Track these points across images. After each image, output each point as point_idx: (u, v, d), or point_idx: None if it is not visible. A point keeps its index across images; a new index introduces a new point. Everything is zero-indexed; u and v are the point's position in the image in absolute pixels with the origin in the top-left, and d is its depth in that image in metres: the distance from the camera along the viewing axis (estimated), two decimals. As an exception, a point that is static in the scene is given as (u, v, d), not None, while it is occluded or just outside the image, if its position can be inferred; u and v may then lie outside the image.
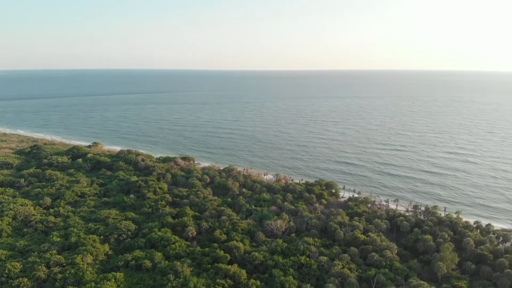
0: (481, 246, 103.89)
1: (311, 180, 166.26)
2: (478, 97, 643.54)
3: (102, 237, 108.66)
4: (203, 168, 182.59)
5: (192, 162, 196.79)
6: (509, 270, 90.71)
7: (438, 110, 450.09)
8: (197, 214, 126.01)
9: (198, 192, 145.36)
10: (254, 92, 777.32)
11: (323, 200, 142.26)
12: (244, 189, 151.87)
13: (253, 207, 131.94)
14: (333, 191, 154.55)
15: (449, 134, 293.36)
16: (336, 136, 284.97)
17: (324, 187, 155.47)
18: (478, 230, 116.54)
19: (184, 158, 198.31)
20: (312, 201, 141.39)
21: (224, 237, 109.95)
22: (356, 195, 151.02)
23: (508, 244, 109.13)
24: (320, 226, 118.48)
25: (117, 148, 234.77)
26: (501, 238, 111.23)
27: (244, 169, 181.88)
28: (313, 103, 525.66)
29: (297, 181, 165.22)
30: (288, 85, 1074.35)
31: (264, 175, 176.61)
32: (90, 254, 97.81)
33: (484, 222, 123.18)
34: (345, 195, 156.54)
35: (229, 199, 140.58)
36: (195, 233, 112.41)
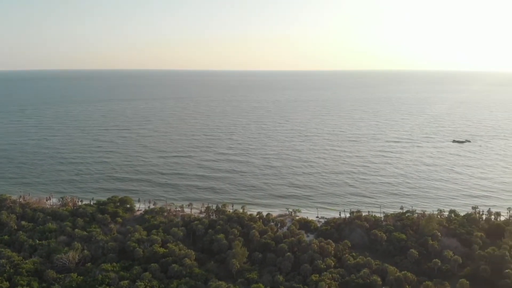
0: (265, 235, 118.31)
1: (104, 198, 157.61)
2: (251, 96, 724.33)
3: None
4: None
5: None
6: (289, 253, 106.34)
7: (214, 111, 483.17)
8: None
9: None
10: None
11: (118, 219, 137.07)
12: (23, 222, 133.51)
13: (38, 241, 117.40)
14: (128, 206, 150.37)
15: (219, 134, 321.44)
16: (110, 146, 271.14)
17: (119, 204, 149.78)
18: (261, 220, 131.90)
19: None
20: (107, 221, 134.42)
21: (6, 284, 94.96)
22: (152, 206, 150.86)
23: (285, 228, 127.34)
24: (118, 248, 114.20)
25: None
26: (279, 225, 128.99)
27: (21, 197, 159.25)
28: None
29: (88, 202, 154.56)
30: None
31: (47, 200, 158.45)
32: None
33: (265, 212, 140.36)
34: (141, 207, 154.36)
35: (6, 237, 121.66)
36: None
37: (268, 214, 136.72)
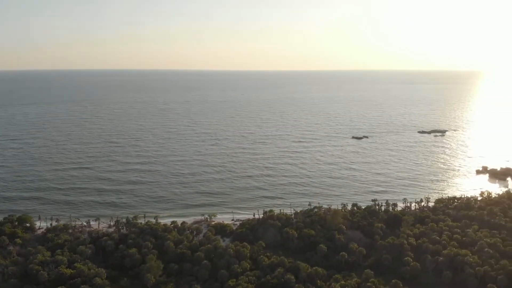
0: (180, 245, 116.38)
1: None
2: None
3: None
4: None
5: None
6: (205, 261, 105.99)
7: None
8: None
9: None
10: None
11: (18, 240, 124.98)
12: None
13: None
14: (28, 225, 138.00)
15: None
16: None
17: (17, 223, 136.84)
18: (176, 230, 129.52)
19: None
20: (5, 243, 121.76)
21: None
22: (55, 223, 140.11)
23: (201, 235, 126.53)
24: (19, 272, 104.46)
25: None
26: (195, 232, 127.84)
27: None
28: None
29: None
30: None
31: None
32: None
33: (180, 220, 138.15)
34: (42, 225, 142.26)
35: None
36: None
37: (183, 223, 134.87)
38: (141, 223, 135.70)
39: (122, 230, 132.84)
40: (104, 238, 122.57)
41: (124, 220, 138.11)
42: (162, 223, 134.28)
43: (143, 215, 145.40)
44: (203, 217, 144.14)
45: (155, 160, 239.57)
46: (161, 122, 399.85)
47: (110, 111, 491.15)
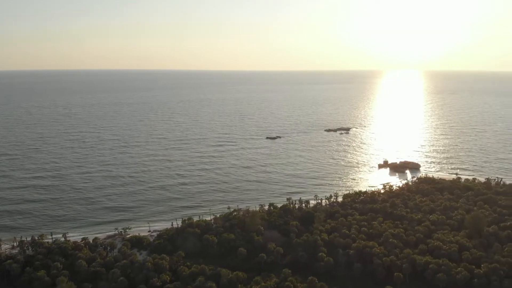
0: (93, 263, 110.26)
1: None
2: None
3: None
4: None
5: None
6: (122, 278, 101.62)
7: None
8: None
9: None
10: None
11: None
12: None
13: None
14: None
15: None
16: None
17: None
18: (87, 247, 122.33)
19: None
20: None
21: None
22: None
23: (116, 251, 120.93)
24: None
25: None
26: (109, 248, 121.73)
27: None
28: None
29: None
30: None
31: None
32: None
33: (91, 236, 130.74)
34: None
35: None
36: None
37: (95, 239, 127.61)
38: (48, 242, 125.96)
39: (27, 251, 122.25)
40: (8, 261, 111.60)
41: (29, 239, 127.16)
42: (71, 241, 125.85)
43: (50, 233, 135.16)
44: (116, 231, 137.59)
45: (56, 174, 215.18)
46: (62, 129, 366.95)
47: (2, 118, 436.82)
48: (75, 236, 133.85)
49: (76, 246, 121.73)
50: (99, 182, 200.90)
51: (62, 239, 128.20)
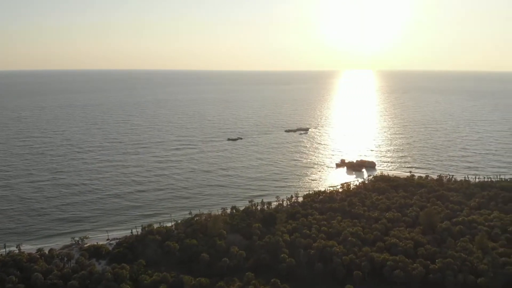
0: (50, 275, 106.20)
1: None
2: None
3: None
4: None
5: None
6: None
7: None
8: None
9: None
10: None
11: None
12: None
13: None
14: None
15: None
16: None
17: None
18: (43, 258, 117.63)
19: None
20: None
21: None
22: None
23: (73, 261, 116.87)
24: None
25: None
26: (65, 259, 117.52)
27: None
28: None
29: None
30: None
31: None
32: None
33: (47, 248, 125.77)
34: None
35: None
36: None
37: (51, 250, 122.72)
38: (1, 255, 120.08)
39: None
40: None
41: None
42: (26, 253, 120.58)
43: (3, 245, 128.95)
44: (73, 240, 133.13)
45: (4, 183, 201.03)
46: (10, 134, 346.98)
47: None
48: (29, 249, 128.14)
49: (31, 258, 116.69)
50: (50, 192, 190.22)
51: (16, 250, 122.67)
